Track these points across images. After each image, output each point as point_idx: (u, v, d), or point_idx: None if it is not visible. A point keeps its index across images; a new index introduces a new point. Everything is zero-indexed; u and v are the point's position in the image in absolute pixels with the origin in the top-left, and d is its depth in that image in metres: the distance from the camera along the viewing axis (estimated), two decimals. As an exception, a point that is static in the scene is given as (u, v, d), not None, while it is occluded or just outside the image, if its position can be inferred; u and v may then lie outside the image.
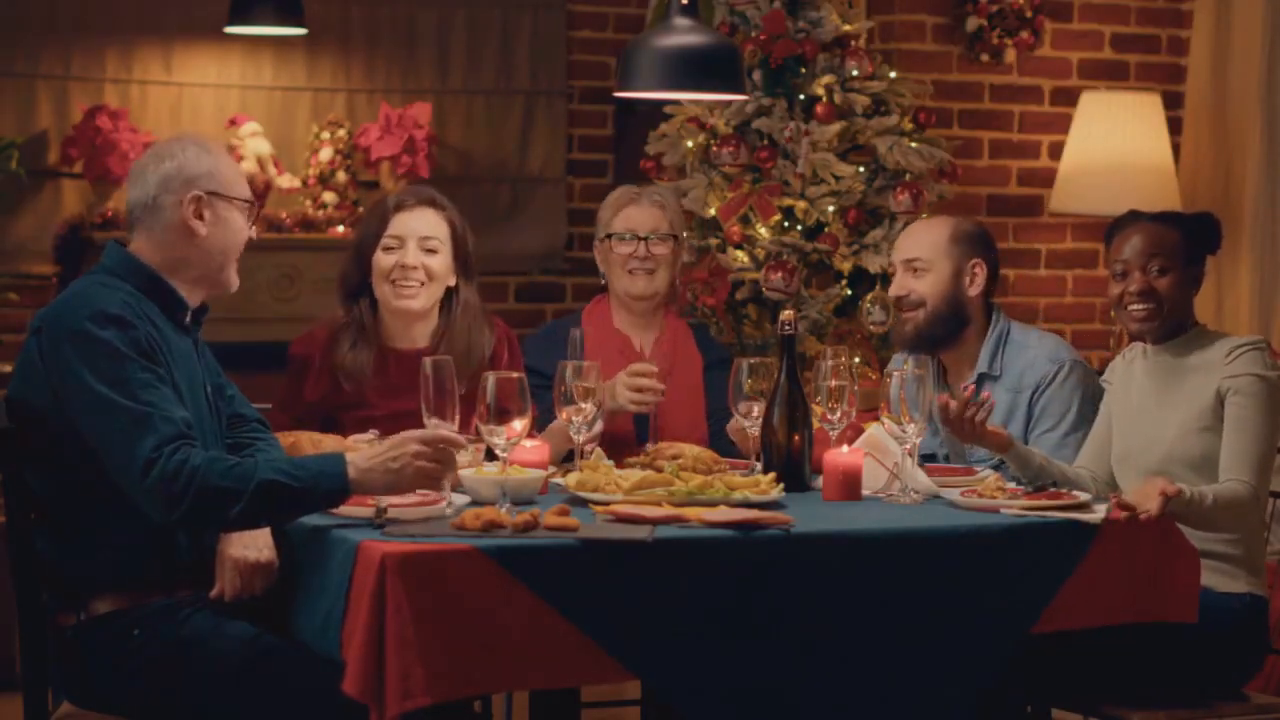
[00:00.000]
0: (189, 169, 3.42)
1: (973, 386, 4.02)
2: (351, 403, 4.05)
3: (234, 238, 3.46)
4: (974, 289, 4.25)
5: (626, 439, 4.21)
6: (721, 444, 4.06)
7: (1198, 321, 3.94)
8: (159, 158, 3.44)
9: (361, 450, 3.30)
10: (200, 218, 3.41)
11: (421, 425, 3.89)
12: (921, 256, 4.27)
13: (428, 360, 3.31)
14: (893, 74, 5.73)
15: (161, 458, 3.15)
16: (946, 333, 4.25)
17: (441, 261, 4.04)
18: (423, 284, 4.01)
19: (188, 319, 3.45)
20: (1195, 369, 3.86)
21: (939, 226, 4.33)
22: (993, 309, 4.28)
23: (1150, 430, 3.88)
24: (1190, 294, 3.91)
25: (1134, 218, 3.96)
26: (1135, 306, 3.89)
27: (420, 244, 4.01)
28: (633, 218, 4.41)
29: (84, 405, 3.22)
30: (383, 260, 4.02)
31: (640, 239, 4.38)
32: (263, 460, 3.23)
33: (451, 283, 4.08)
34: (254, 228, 3.51)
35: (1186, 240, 3.90)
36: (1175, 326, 3.90)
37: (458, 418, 3.27)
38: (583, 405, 3.57)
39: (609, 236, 4.42)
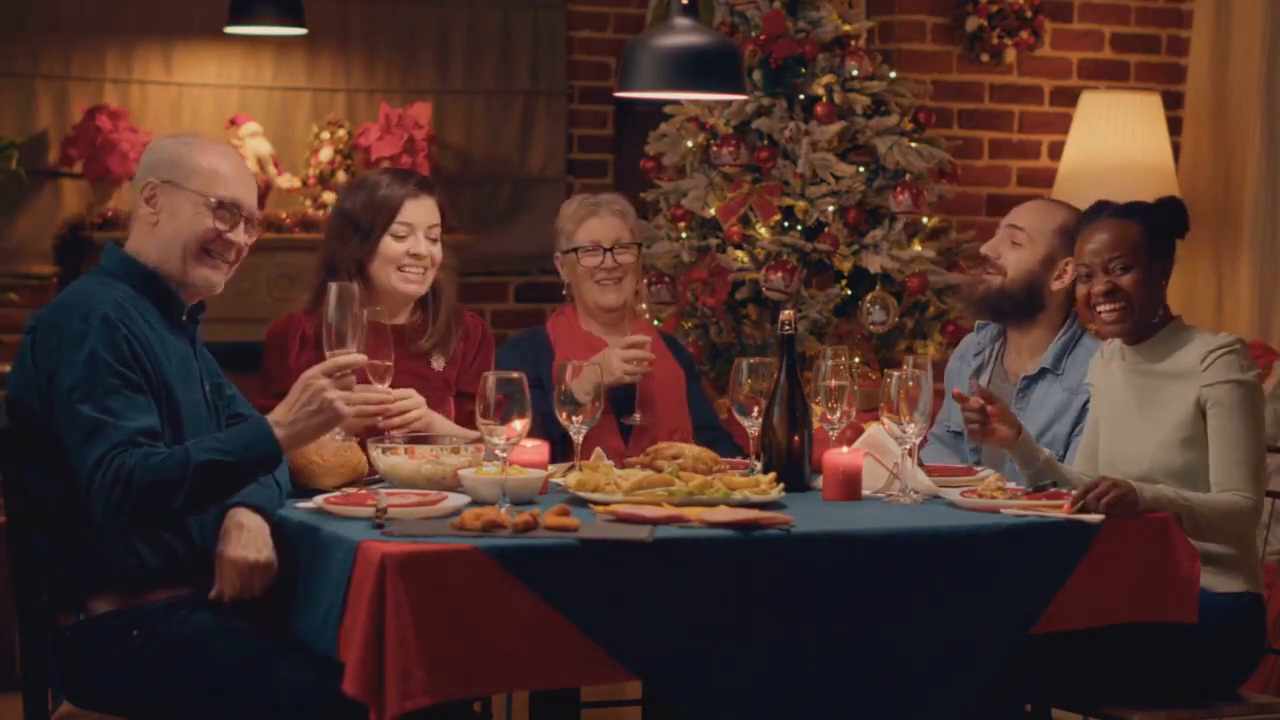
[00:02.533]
0: (154, 158, 3.44)
1: (976, 383, 4.06)
2: None
3: (183, 229, 3.40)
4: (1058, 284, 4.25)
5: (614, 442, 4.23)
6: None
7: (1172, 315, 3.90)
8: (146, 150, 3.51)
9: (278, 411, 3.30)
10: (151, 205, 3.41)
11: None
12: (1025, 228, 4.27)
13: (333, 286, 3.36)
14: (893, 74, 5.73)
15: (101, 467, 3.18)
16: (1012, 311, 4.27)
17: (439, 249, 4.13)
18: (426, 270, 4.09)
19: (184, 317, 3.45)
20: (1172, 376, 3.81)
21: (1054, 211, 4.31)
22: (1070, 310, 4.30)
23: (1132, 441, 3.85)
24: (1158, 287, 3.87)
25: (1096, 213, 3.92)
26: (1103, 308, 3.86)
27: (427, 233, 4.08)
28: (595, 229, 4.42)
29: (56, 406, 3.25)
30: (393, 247, 4.06)
31: (606, 250, 4.39)
32: (192, 445, 3.24)
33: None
34: (239, 230, 3.43)
35: (1149, 233, 3.85)
36: (1146, 322, 3.87)
37: (356, 342, 3.34)
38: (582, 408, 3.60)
39: (574, 250, 4.42)
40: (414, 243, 4.06)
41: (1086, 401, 4.15)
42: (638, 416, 4.27)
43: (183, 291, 3.44)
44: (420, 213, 4.09)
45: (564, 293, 4.54)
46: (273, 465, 3.29)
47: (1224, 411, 3.73)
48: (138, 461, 3.18)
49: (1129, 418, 3.88)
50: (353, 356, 3.32)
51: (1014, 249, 4.26)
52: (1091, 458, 3.97)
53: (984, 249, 4.31)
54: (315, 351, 4.00)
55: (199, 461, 3.19)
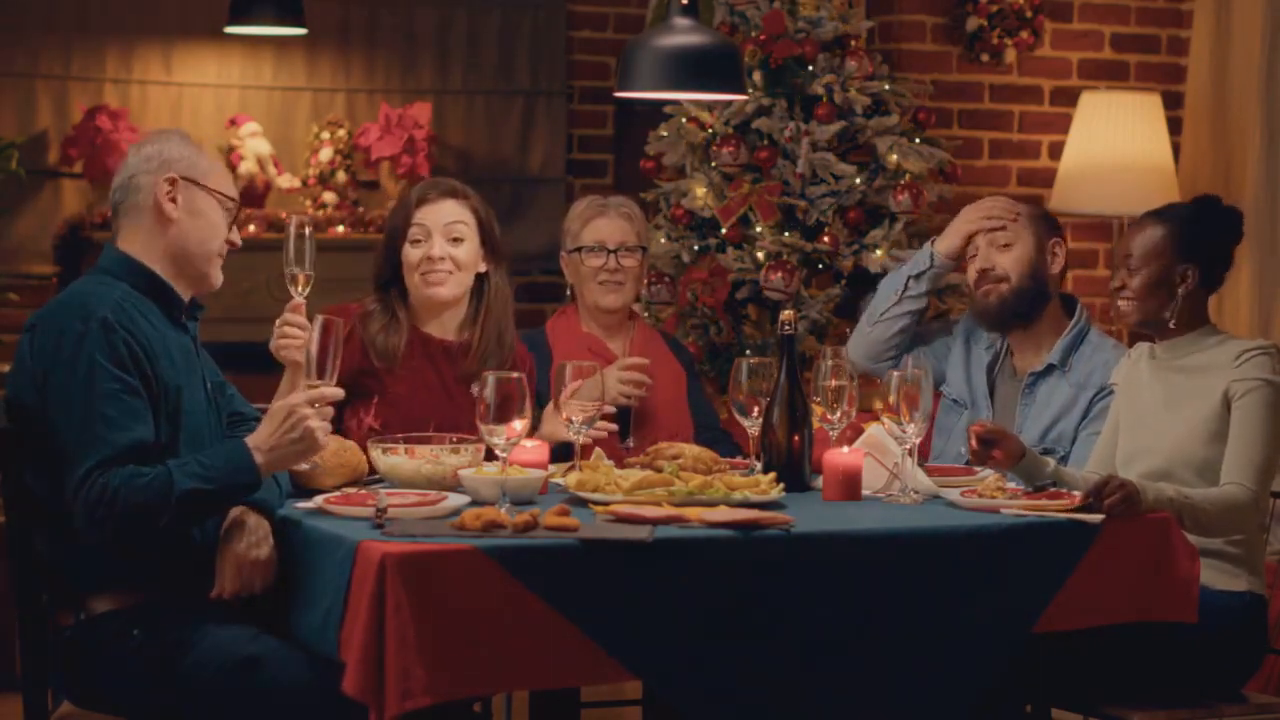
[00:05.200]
0: (168, 152, 3.43)
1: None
2: (372, 381, 4.02)
3: (207, 232, 3.42)
4: (1055, 267, 4.31)
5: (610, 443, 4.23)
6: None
7: (1206, 320, 3.93)
8: (141, 143, 3.48)
9: (259, 434, 3.30)
10: (173, 201, 3.40)
11: (434, 419, 3.93)
12: (1008, 227, 4.30)
13: (318, 318, 3.36)
14: (893, 74, 5.73)
15: (86, 485, 3.18)
16: (1028, 309, 4.29)
17: (468, 250, 4.04)
18: (450, 273, 4.01)
19: (184, 316, 3.45)
20: (1202, 371, 3.86)
21: (1019, 205, 4.39)
22: (1076, 305, 4.32)
23: (1156, 432, 3.88)
24: (1171, 289, 3.89)
25: (1147, 213, 3.99)
26: (1117, 300, 3.94)
27: (445, 233, 4.02)
28: (601, 230, 4.41)
29: (52, 406, 3.25)
30: (411, 253, 4.03)
31: (609, 252, 4.39)
32: (175, 468, 3.23)
33: (482, 269, 4.08)
34: (234, 230, 3.47)
35: (1173, 237, 3.90)
36: (1155, 320, 3.90)
37: (336, 374, 3.35)
38: (585, 405, 3.59)
39: (578, 249, 4.42)
40: (429, 246, 4.02)
41: (1093, 397, 4.17)
42: (631, 443, 4.26)
43: (187, 290, 3.44)
44: (433, 215, 4.03)
45: (567, 293, 4.53)
46: (252, 491, 3.30)
47: (1247, 407, 3.76)
48: (122, 482, 3.18)
49: (1153, 411, 3.90)
50: (334, 390, 3.34)
51: (1005, 251, 4.29)
52: (1106, 457, 3.97)
53: (978, 264, 4.31)
54: (359, 356, 3.98)
55: (182, 491, 3.20)
